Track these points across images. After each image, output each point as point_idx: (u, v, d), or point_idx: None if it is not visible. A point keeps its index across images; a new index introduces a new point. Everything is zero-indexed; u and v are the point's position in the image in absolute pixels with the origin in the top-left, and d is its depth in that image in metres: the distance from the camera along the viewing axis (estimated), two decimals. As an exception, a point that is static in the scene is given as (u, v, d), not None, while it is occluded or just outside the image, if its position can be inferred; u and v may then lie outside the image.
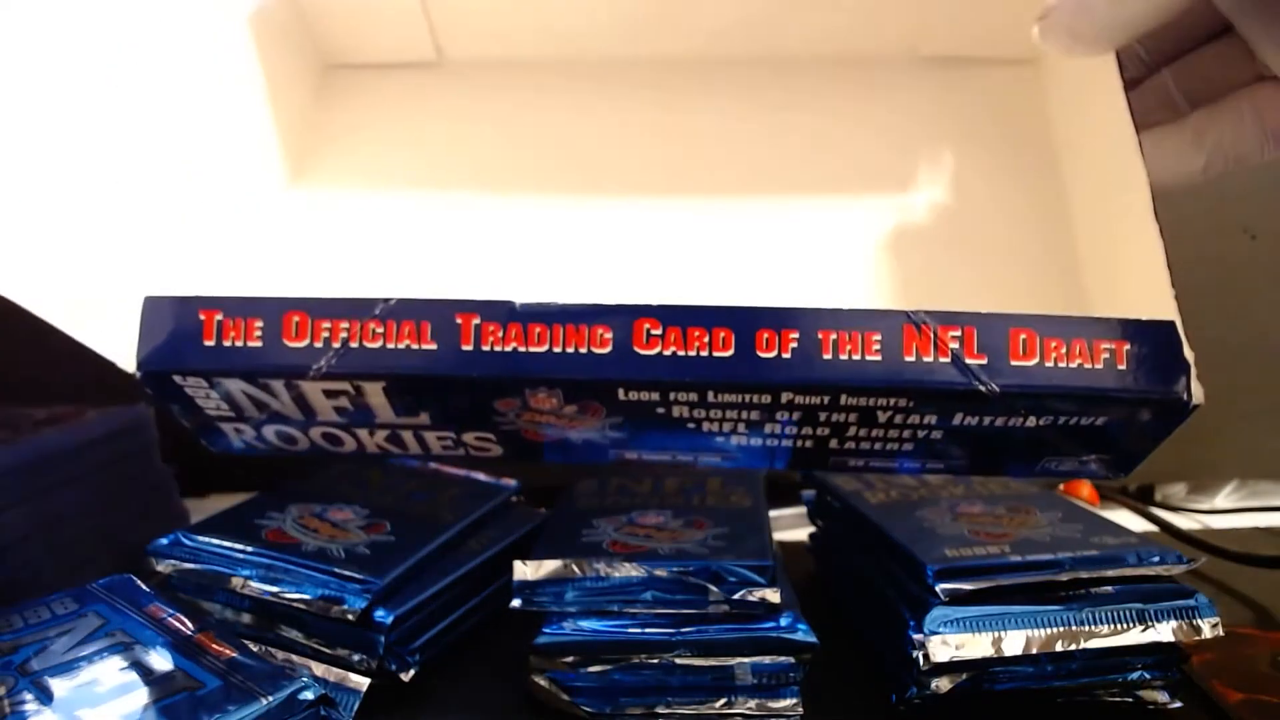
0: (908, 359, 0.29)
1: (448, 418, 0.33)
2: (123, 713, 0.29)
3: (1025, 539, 0.40)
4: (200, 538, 0.43)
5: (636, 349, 0.29)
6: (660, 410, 0.31)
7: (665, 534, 0.42)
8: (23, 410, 0.54)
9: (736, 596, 0.37)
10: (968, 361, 0.30)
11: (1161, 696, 0.38)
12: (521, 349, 0.30)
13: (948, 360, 0.29)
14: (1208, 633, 0.36)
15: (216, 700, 0.30)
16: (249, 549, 0.42)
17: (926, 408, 0.31)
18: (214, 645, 0.34)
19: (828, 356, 0.29)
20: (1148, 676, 0.37)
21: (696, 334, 0.29)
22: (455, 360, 0.30)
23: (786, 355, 0.29)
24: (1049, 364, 0.30)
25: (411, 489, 0.52)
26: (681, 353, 0.29)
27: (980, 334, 0.29)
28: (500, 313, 0.30)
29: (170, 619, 0.36)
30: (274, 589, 0.40)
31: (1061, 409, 0.30)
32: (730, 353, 0.29)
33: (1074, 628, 0.36)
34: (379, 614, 0.39)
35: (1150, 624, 0.36)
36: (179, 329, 0.31)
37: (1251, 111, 0.31)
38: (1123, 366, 0.30)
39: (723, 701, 0.37)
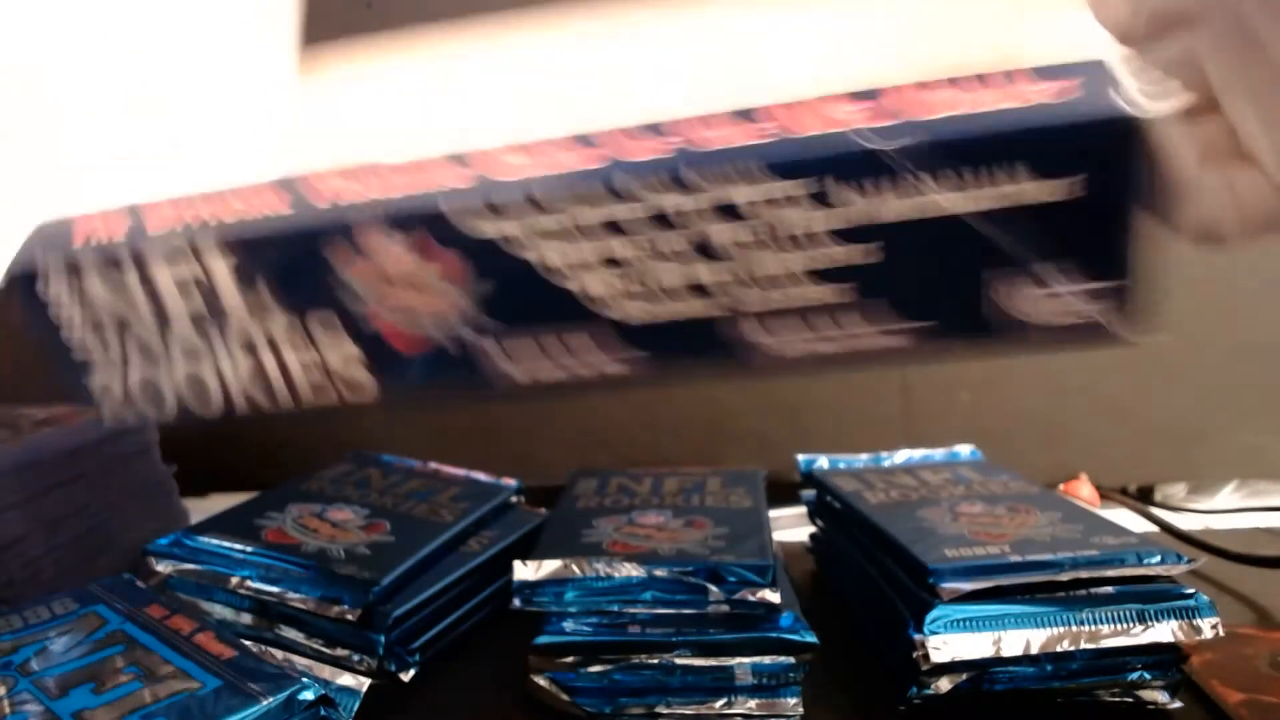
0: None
1: (293, 298, 0.30)
2: (123, 713, 0.29)
3: (1025, 539, 0.40)
4: (200, 538, 0.43)
5: (496, 178, 0.27)
6: (515, 257, 0.27)
7: (665, 534, 0.42)
8: (23, 410, 0.54)
9: (736, 596, 0.37)
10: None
11: (1161, 696, 0.38)
12: (363, 199, 0.28)
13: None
14: (1208, 633, 0.36)
15: (216, 700, 0.30)
16: (249, 549, 0.42)
17: (815, 180, 0.25)
18: (214, 645, 0.34)
19: (695, 149, 0.26)
20: (1148, 676, 0.37)
21: (561, 149, 0.27)
22: (297, 217, 0.29)
23: (650, 157, 0.26)
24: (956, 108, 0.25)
25: (411, 489, 0.52)
26: (546, 172, 0.27)
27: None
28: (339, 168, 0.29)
29: (170, 619, 0.36)
30: (274, 589, 0.40)
31: (978, 155, 0.25)
32: (595, 166, 0.26)
33: (1074, 628, 0.36)
34: (379, 614, 0.39)
35: (1150, 624, 0.36)
36: (51, 238, 0.31)
37: (1227, 190, 0.30)
38: (1045, 100, 0.25)
39: (723, 701, 0.37)
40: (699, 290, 0.27)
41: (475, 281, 0.28)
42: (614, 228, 0.27)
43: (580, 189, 0.26)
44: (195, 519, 0.50)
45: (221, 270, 0.30)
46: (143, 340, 0.31)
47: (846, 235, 0.26)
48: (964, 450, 0.57)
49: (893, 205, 0.25)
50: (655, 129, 0.27)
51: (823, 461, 0.56)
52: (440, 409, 0.32)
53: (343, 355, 0.30)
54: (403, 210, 0.28)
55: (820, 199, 0.25)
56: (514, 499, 0.55)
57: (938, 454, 0.56)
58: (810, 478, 0.54)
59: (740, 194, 0.26)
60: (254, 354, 0.31)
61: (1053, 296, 0.26)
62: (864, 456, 0.57)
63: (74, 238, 0.30)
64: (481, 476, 0.56)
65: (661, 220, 0.26)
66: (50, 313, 0.31)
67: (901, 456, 0.56)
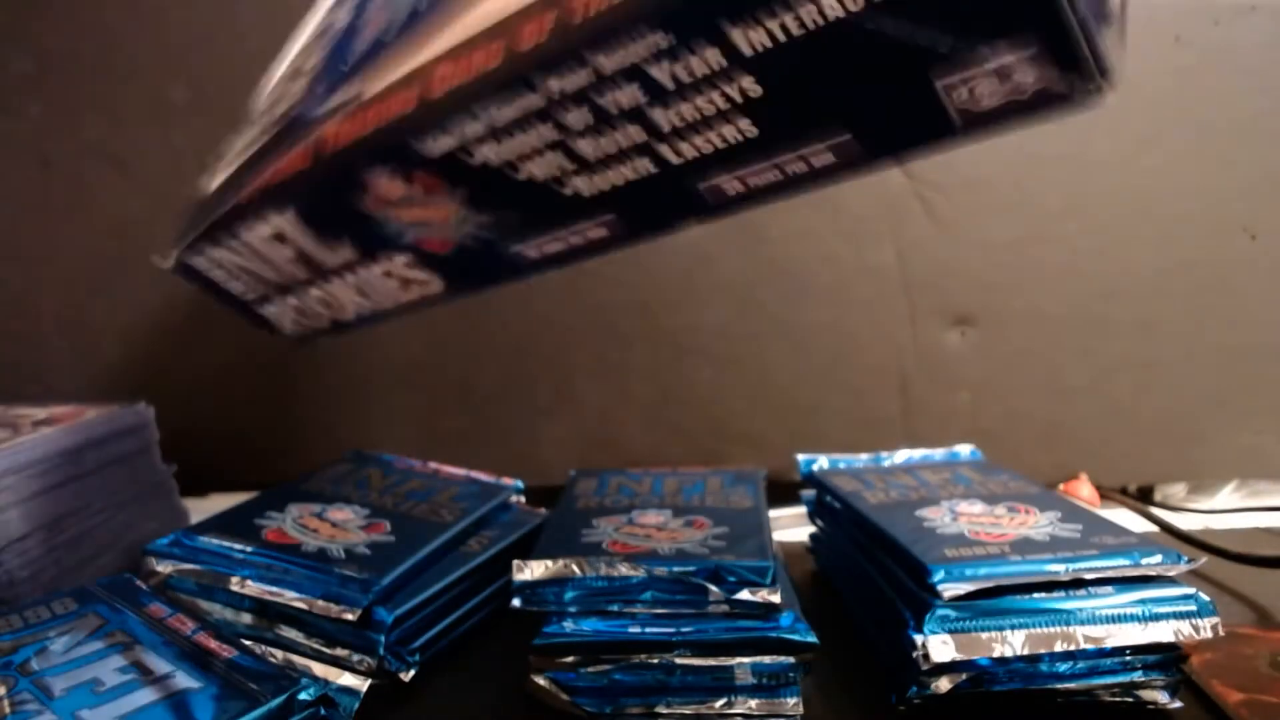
0: None
1: (351, 236, 0.35)
2: (123, 713, 0.29)
3: (1025, 539, 0.40)
4: (200, 538, 0.43)
5: (433, 96, 0.29)
6: (470, 163, 0.30)
7: (665, 534, 0.42)
8: (23, 410, 0.54)
9: (736, 596, 0.37)
10: None
11: (1161, 696, 0.38)
12: (348, 146, 0.32)
13: None
14: (1208, 633, 0.36)
15: (216, 700, 0.30)
16: (249, 549, 0.42)
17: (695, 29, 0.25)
18: (214, 645, 0.34)
19: (578, 21, 0.26)
20: (1148, 676, 0.37)
21: (474, 57, 0.28)
22: (311, 169, 0.33)
23: (544, 39, 0.27)
24: None
25: (411, 489, 0.52)
26: (461, 82, 0.28)
27: None
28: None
29: (170, 619, 0.36)
30: (274, 589, 0.40)
31: None
32: (498, 61, 0.28)
33: (1074, 628, 0.36)
34: (379, 614, 0.39)
35: (1150, 624, 0.36)
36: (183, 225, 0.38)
37: None
38: None
39: (723, 701, 0.37)
40: (629, 153, 0.29)
41: (453, 188, 0.31)
42: (534, 117, 0.28)
43: (491, 91, 0.28)
44: (195, 519, 0.50)
45: (292, 226, 0.35)
46: (272, 280, 0.39)
47: (752, 65, 0.25)
48: (964, 450, 0.57)
49: (787, 25, 0.24)
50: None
51: (823, 461, 0.56)
52: (488, 292, 0.38)
53: (404, 263, 0.36)
54: (375, 146, 0.30)
55: (718, 38, 0.25)
56: (514, 499, 0.55)
57: (938, 454, 0.56)
58: (810, 478, 0.54)
59: (633, 55, 0.26)
60: (350, 273, 0.37)
61: (992, 75, 0.24)
62: (864, 456, 0.57)
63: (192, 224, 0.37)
64: (481, 476, 0.56)
65: (573, 99, 0.27)
66: (208, 277, 0.39)
67: (901, 456, 0.56)
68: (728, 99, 0.26)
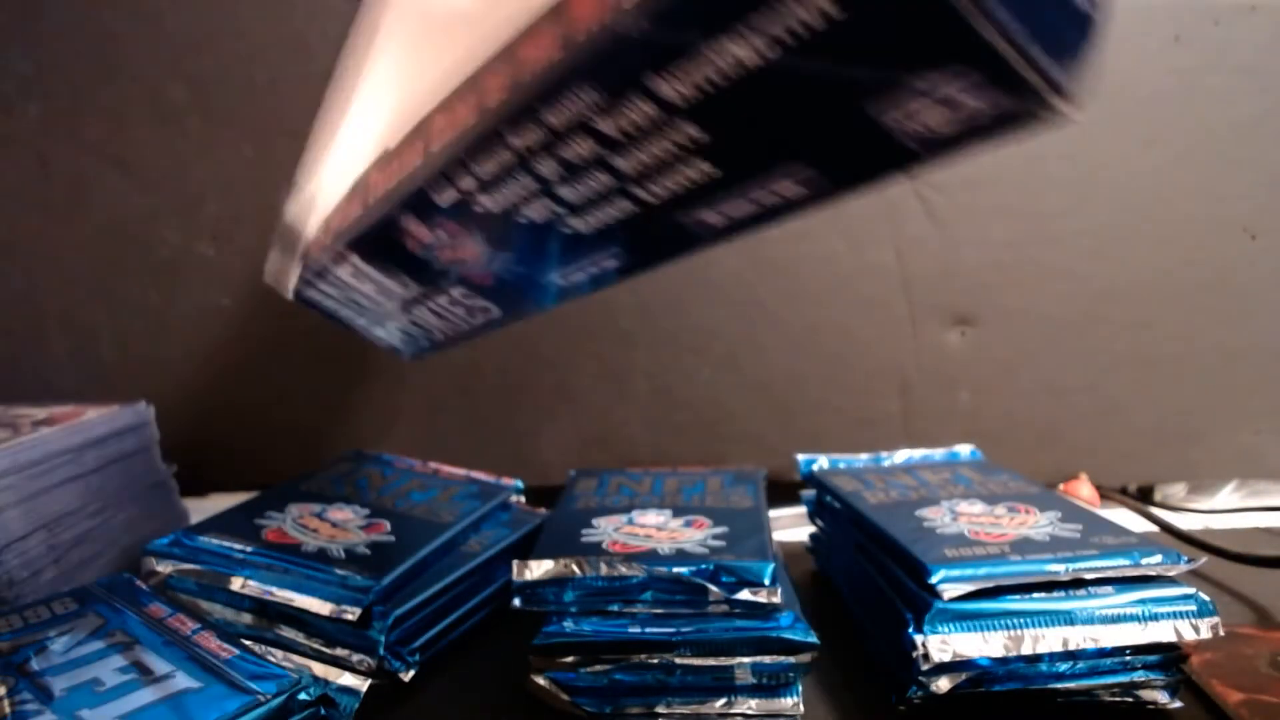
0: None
1: (410, 273, 0.37)
2: (123, 713, 0.29)
3: (1025, 539, 0.40)
4: (200, 538, 0.43)
5: (432, 149, 0.30)
6: (477, 210, 0.31)
7: (665, 534, 0.42)
8: (23, 410, 0.54)
9: (736, 596, 0.37)
10: None
11: (1161, 696, 0.38)
12: (380, 197, 0.33)
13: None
14: (1207, 633, 0.36)
15: (216, 700, 0.30)
16: (249, 549, 0.42)
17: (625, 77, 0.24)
18: (214, 645, 0.34)
19: (527, 79, 0.26)
20: (1148, 676, 0.37)
21: (457, 111, 0.29)
22: (366, 218, 0.35)
23: (505, 96, 0.27)
24: None
25: (411, 489, 0.52)
26: (450, 136, 0.30)
27: None
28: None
29: (170, 619, 0.36)
30: (274, 589, 0.40)
31: None
32: (474, 117, 0.28)
33: (1074, 628, 0.36)
34: (379, 614, 0.39)
35: (1150, 624, 0.36)
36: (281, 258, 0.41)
37: None
38: None
39: (723, 701, 0.37)
40: (608, 196, 0.29)
41: (470, 232, 0.33)
42: (513, 169, 0.29)
43: (470, 146, 0.29)
44: (195, 519, 0.50)
45: (362, 264, 0.37)
46: (369, 309, 0.41)
47: (690, 114, 0.25)
48: (964, 450, 0.57)
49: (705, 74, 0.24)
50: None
51: (822, 461, 0.56)
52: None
53: (462, 294, 0.38)
54: (399, 196, 0.32)
55: (646, 91, 0.24)
56: (514, 499, 0.55)
57: (938, 454, 0.56)
58: (810, 478, 0.54)
59: (575, 111, 0.26)
60: (426, 302, 0.39)
61: (937, 104, 0.22)
62: (864, 456, 0.57)
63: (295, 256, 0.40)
64: (481, 476, 0.56)
65: (540, 151, 0.28)
66: (321, 305, 0.42)
67: (901, 456, 0.56)
68: (678, 145, 0.26)
